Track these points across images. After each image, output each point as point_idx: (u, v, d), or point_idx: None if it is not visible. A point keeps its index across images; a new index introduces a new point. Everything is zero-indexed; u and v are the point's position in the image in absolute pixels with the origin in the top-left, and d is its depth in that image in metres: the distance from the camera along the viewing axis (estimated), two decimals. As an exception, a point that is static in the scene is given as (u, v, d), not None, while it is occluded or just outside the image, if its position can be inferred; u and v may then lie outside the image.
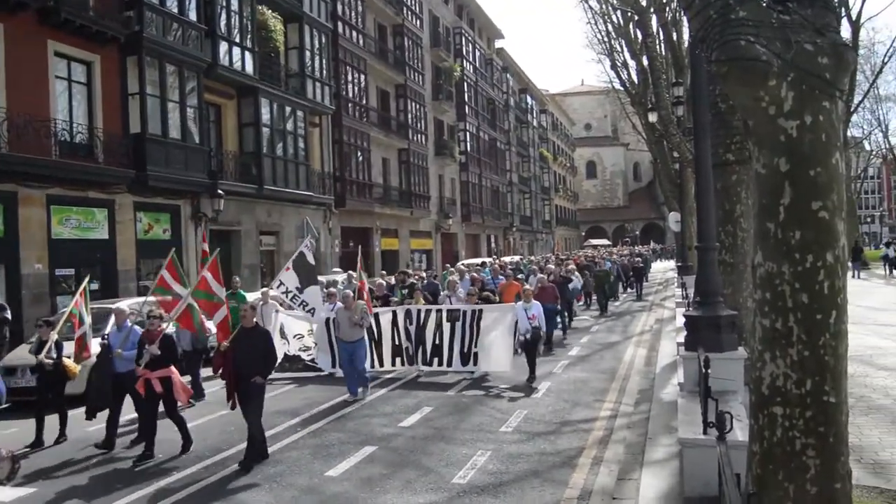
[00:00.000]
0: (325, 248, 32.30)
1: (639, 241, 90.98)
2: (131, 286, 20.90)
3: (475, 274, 20.83)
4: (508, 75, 67.60)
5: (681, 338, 11.58)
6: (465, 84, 52.88)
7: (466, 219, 52.60)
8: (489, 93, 59.77)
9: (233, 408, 9.66)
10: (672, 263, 55.09)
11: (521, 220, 68.62)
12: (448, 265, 29.74)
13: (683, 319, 10.89)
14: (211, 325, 12.64)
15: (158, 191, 22.01)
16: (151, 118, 21.38)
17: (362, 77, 36.26)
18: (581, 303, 27.07)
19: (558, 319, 19.57)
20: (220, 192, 23.60)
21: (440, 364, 14.62)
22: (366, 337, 13.60)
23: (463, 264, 28.08)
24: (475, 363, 14.41)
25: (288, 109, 28.70)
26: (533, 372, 14.10)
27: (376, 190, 37.49)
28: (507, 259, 37.06)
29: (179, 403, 10.44)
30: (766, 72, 4.32)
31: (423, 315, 14.89)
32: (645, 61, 32.27)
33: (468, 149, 52.82)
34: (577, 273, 24.55)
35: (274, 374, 15.07)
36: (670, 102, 26.81)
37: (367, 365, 13.94)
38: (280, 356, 15.21)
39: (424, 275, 23.02)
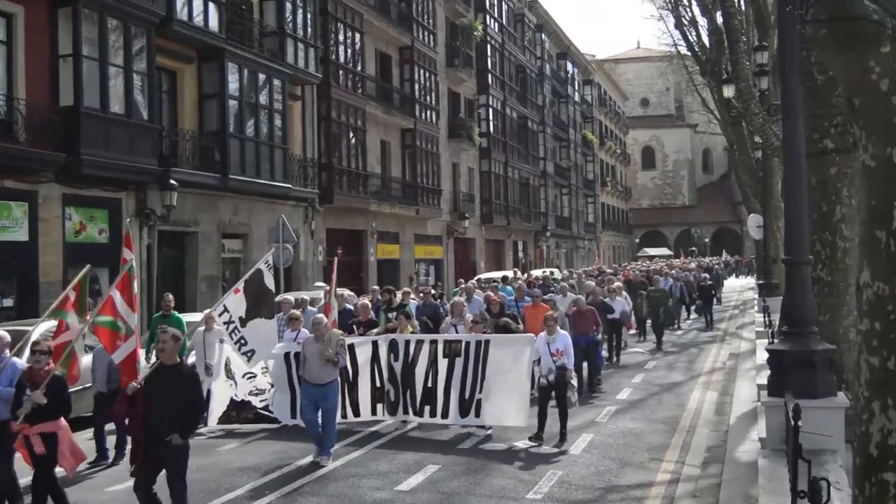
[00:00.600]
0: (306, 255, 32.33)
1: (708, 251, 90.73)
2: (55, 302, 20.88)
3: (491, 293, 20.05)
4: (544, 35, 67.66)
5: (763, 379, 11.47)
6: (489, 46, 52.92)
7: (487, 220, 52.59)
8: (519, 58, 59.81)
9: (134, 475, 8.91)
10: (751, 281, 54.83)
11: (556, 223, 68.60)
12: (461, 280, 29.60)
13: (766, 355, 10.78)
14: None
15: (94, 180, 22.02)
16: (87, 87, 21.40)
17: (357, 36, 36.33)
18: (633, 331, 26.67)
19: (604, 353, 19.54)
20: (172, 182, 23.62)
21: (433, 414, 14.11)
22: (339, 380, 13.01)
23: (479, 279, 27.93)
24: (478, 415, 13.82)
25: (262, 77, 28.74)
26: (564, 428, 13.42)
27: (373, 182, 37.53)
28: (536, 273, 36.77)
29: (64, 471, 9.80)
30: (877, 35, 4.22)
31: (412, 348, 14.30)
32: (719, 19, 32.13)
33: (491, 130, 52.86)
34: (623, 293, 24.29)
35: (218, 426, 14.93)
36: (751, 72, 26.63)
37: (338, 416, 13.49)
38: (225, 402, 15.12)
39: (425, 292, 22.43)
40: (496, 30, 54.56)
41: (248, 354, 14.08)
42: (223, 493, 10.96)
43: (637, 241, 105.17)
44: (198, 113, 26.91)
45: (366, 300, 18.34)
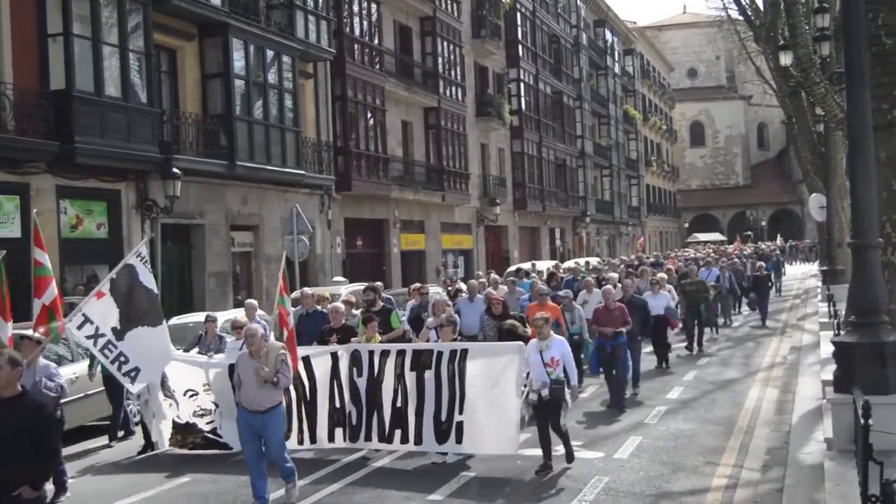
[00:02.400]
0: (323, 248, 32.45)
1: (765, 236, 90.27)
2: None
3: (493, 291, 18.51)
4: (579, 1, 67.61)
5: (828, 374, 11.44)
6: (519, 15, 52.86)
7: (520, 205, 52.60)
8: (552, 27, 59.69)
9: None
10: (813, 267, 54.46)
11: (597, 207, 68.52)
12: (491, 272, 29.40)
13: (831, 348, 10.74)
14: None
15: (91, 170, 22.21)
16: (80, 69, 21.52)
17: (374, 7, 36.40)
18: (676, 330, 23.44)
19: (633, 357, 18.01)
20: (175, 171, 23.78)
21: (404, 440, 12.88)
22: (283, 403, 11.52)
23: (482, 275, 26.87)
24: (459, 441, 12.53)
25: (270, 54, 28.85)
26: (568, 446, 12.29)
27: (394, 166, 37.61)
28: (567, 265, 34.98)
29: None
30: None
31: (377, 360, 13.07)
32: (774, -21, 31.94)
33: (523, 106, 52.84)
34: (669, 287, 22.83)
35: (159, 450, 14.12)
36: (811, 37, 26.45)
37: (292, 442, 12.92)
38: (166, 428, 14.15)
39: (416, 288, 20.94)
40: (526, -4, 54.47)
41: (132, 375, 13.16)
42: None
43: (686, 225, 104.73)
44: (201, 94, 27.04)
45: (338, 304, 15.99)
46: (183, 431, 14.10)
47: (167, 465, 13.60)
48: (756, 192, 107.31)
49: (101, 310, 12.95)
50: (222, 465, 13.24)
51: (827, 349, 14.15)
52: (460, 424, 12.47)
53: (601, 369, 17.45)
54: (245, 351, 11.26)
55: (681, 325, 23.72)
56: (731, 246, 59.81)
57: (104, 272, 23.09)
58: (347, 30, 34.15)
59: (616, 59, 78.18)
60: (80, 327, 13.02)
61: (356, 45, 34.87)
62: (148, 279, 13.53)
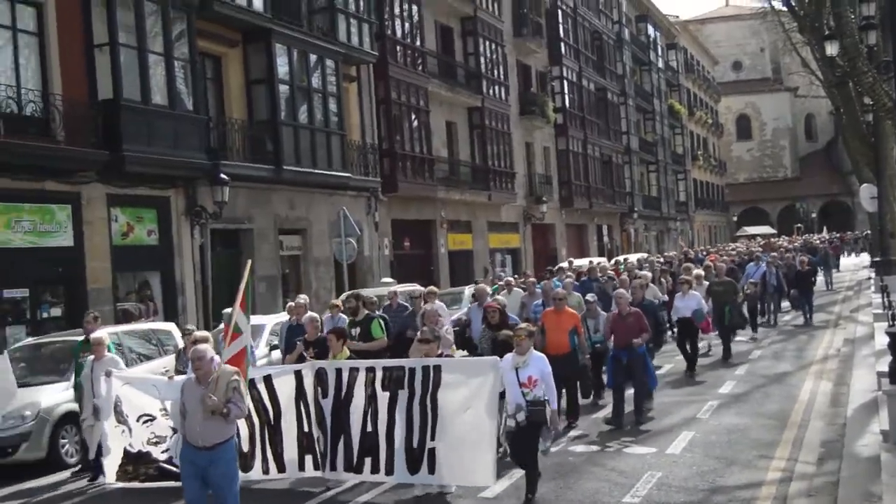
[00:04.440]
0: (371, 250, 32.55)
1: (816, 228, 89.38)
2: (106, 310, 21.29)
3: (494, 298, 17.14)
4: (621, -3, 67.22)
5: (883, 366, 11.32)
6: (560, 12, 52.72)
7: (567, 203, 52.47)
8: (594, 23, 59.50)
9: None
10: (862, 259, 53.71)
11: (644, 203, 68.21)
12: (550, 269, 29.12)
13: (886, 339, 10.63)
14: None
15: (140, 178, 22.42)
16: (127, 78, 21.71)
17: (415, 8, 36.44)
18: (712, 334, 22.29)
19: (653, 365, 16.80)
20: (223, 176, 23.93)
21: (374, 470, 11.45)
22: (235, 438, 9.80)
23: (505, 274, 25.99)
24: (431, 470, 11.09)
25: (313, 58, 28.99)
26: (532, 487, 10.85)
27: (439, 167, 37.66)
28: (596, 260, 32.92)
29: None
30: None
31: (345, 378, 11.67)
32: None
33: (566, 104, 52.71)
34: (703, 285, 21.90)
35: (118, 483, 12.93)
36: (857, 26, 26.17)
37: (257, 471, 12.01)
38: (117, 454, 12.75)
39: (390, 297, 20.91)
40: (568, -7, 54.33)
41: None
42: None
43: (735, 219, 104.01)
44: (246, 100, 27.20)
45: (312, 314, 14.82)
46: (135, 462, 12.59)
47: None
48: (805, 184, 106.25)
49: None
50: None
51: (882, 340, 14.01)
52: (433, 452, 11.02)
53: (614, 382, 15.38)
54: (192, 376, 9.68)
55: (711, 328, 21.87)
56: (781, 239, 59.05)
57: (155, 278, 23.51)
58: (389, 32, 34.23)
59: (659, 53, 77.74)
60: None
61: (398, 47, 34.95)
62: None
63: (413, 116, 35.68)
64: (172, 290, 23.63)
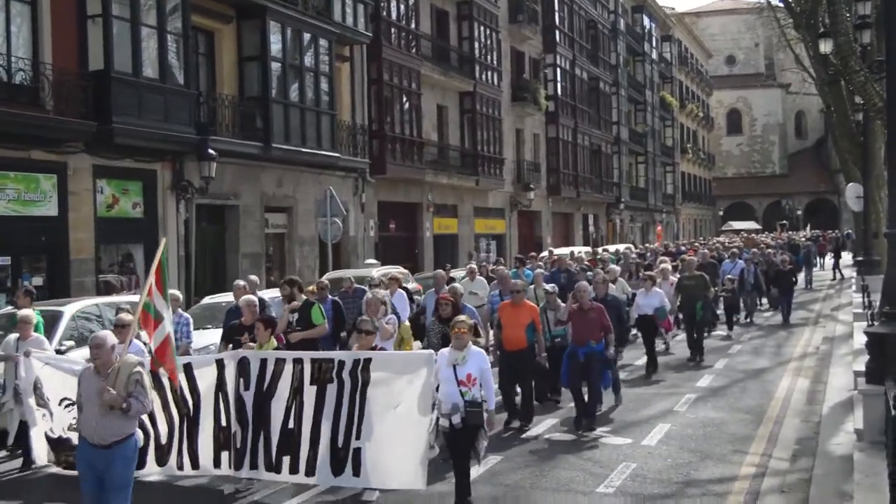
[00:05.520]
0: (357, 230, 32.54)
1: (800, 225, 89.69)
2: (88, 281, 21.32)
3: (450, 287, 16.02)
4: (617, -14, 67.18)
5: (860, 365, 11.39)
6: (556, 0, 52.57)
7: (554, 191, 52.51)
8: (589, 12, 59.47)
9: None
10: (847, 257, 53.81)
11: (631, 194, 68.34)
12: (519, 256, 29.07)
13: (864, 338, 10.68)
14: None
15: (127, 150, 22.34)
16: (118, 50, 21.63)
17: (410, -9, 36.35)
18: (672, 332, 21.66)
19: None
20: (211, 152, 23.85)
21: (293, 470, 10.58)
22: (140, 435, 8.92)
23: (474, 260, 25.18)
24: (356, 472, 10.22)
25: (307, 37, 28.89)
26: (462, 495, 10.05)
27: (428, 150, 37.63)
28: (577, 250, 33.00)
29: None
30: None
31: (269, 370, 10.77)
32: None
33: (559, 92, 52.68)
34: (670, 280, 21.29)
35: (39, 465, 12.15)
36: (852, 25, 26.21)
37: (172, 467, 11.19)
38: (38, 439, 11.83)
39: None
40: (564, -19, 54.25)
41: None
42: None
43: (721, 213, 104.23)
44: (237, 77, 27.14)
45: (249, 296, 13.90)
46: (56, 447, 11.68)
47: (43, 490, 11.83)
48: (792, 181, 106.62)
49: None
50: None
51: (860, 340, 14.07)
52: (357, 452, 10.18)
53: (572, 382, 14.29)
54: (90, 365, 8.69)
55: (675, 326, 21.60)
56: (764, 236, 58.94)
57: (139, 251, 23.45)
58: (384, 13, 34.14)
59: (654, 45, 77.71)
60: None
61: (393, 29, 34.87)
62: None
63: (404, 99, 35.63)
64: (156, 264, 23.54)
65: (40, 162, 20.50)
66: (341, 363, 10.44)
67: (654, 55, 77.87)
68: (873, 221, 32.60)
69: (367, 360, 10.31)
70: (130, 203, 23.34)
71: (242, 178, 26.80)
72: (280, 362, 10.76)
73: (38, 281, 20.48)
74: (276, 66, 27.44)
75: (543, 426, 14.05)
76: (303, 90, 28.66)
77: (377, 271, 23.18)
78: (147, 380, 8.72)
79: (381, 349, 11.42)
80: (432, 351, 10.62)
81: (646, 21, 75.36)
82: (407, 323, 14.93)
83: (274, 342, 11.81)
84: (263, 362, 10.82)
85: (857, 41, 25.67)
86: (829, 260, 51.16)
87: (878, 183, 32.79)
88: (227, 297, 18.12)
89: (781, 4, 40.01)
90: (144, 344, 10.53)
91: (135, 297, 18.87)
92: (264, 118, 26.82)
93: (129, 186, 23.28)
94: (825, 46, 28.23)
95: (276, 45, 27.44)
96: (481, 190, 43.25)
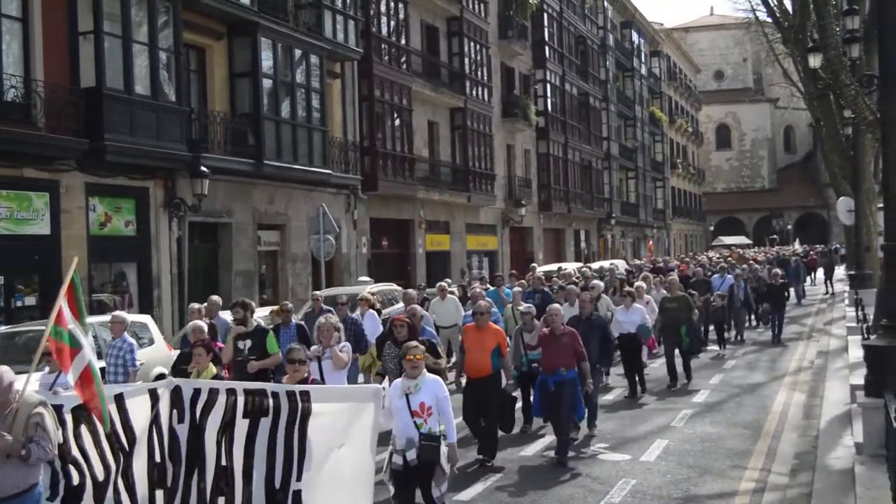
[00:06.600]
0: (349, 247, 32.50)
1: (790, 239, 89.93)
2: (81, 300, 21.18)
3: (419, 307, 15.72)
4: (606, 3, 67.42)
5: (857, 378, 11.41)
6: (546, 16, 52.81)
7: (545, 207, 52.54)
8: (579, 28, 59.61)
9: None
10: (840, 272, 53.88)
11: (622, 209, 68.42)
12: (514, 272, 29.10)
13: (860, 352, 10.70)
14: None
15: (120, 168, 22.30)
16: (110, 67, 21.61)
17: (402, 7, 36.42)
18: (655, 351, 20.86)
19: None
20: (203, 169, 23.84)
21: None
22: (40, 486, 8.10)
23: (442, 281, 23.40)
24: None
25: (298, 53, 28.91)
26: None
27: (420, 167, 37.65)
28: (566, 270, 31.55)
29: None
30: None
31: (201, 401, 9.42)
32: (804, -19, 31.82)
33: (549, 108, 52.76)
34: (647, 298, 20.69)
35: None
36: (841, 39, 26.34)
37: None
38: None
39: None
40: (553, -3, 54.43)
41: None
42: None
43: (711, 228, 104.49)
44: (229, 93, 27.12)
45: (199, 322, 13.72)
46: None
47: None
48: (782, 196, 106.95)
49: None
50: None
51: (855, 353, 14.11)
52: (298, 494, 8.95)
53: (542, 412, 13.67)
54: None
55: (658, 346, 20.58)
56: (755, 250, 58.94)
57: (132, 270, 23.42)
58: (375, 30, 34.17)
59: (643, 60, 77.98)
60: None
61: (383, 45, 34.91)
62: None
63: (395, 115, 35.65)
64: (148, 282, 23.51)
65: (32, 180, 20.42)
66: (275, 394, 9.12)
67: (643, 70, 78.14)
68: (864, 235, 32.67)
69: (306, 394, 8.99)
70: (123, 221, 23.27)
71: (235, 195, 26.76)
72: (213, 393, 9.43)
73: (31, 301, 20.44)
74: (267, 83, 27.43)
75: (541, 443, 14.06)
76: (294, 107, 28.65)
77: (368, 289, 23.17)
78: (49, 422, 7.73)
79: (316, 381, 10.49)
80: (378, 386, 9.17)
81: (634, 37, 75.62)
82: (374, 344, 14.37)
83: (213, 370, 11.20)
84: (196, 392, 9.42)
85: (847, 55, 25.82)
86: (820, 274, 50.88)
87: (868, 197, 32.91)
88: (230, 315, 17.80)
89: (770, 20, 40.16)
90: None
91: (132, 316, 18.88)
92: (256, 135, 26.79)
93: (121, 204, 23.22)
94: (814, 61, 28.33)
95: (267, 62, 27.44)
96: (473, 206, 43.27)
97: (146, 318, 18.80)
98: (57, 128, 20.30)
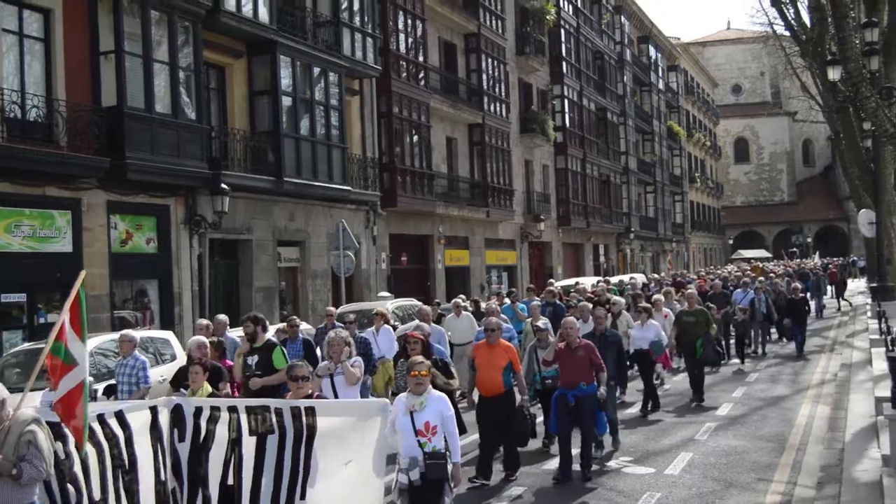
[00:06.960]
0: (369, 263, 32.53)
1: (811, 252, 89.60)
2: (103, 317, 21.29)
3: (426, 326, 15.27)
4: (623, 18, 67.41)
5: (882, 391, 11.33)
6: (563, 32, 52.87)
7: (564, 222, 52.54)
8: (596, 43, 59.67)
9: None
10: (861, 283, 53.61)
11: (641, 224, 68.26)
12: (532, 286, 28.94)
13: (885, 364, 10.62)
14: None
15: (141, 186, 22.41)
16: (131, 86, 21.76)
17: (419, 24, 36.55)
18: (671, 368, 21.18)
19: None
20: (223, 186, 23.93)
21: None
22: (36, 502, 7.83)
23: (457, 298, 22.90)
24: None
25: (317, 71, 29.03)
26: None
27: (439, 182, 37.69)
28: (581, 284, 29.98)
29: None
30: None
31: (204, 419, 9.36)
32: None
33: (566, 123, 52.83)
34: (666, 312, 20.45)
35: None
36: (860, 51, 26.28)
37: None
38: None
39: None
40: (570, 13, 54.49)
41: None
42: None
43: (731, 242, 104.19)
44: (248, 111, 27.24)
45: (203, 338, 13.44)
46: None
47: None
48: (801, 209, 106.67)
49: None
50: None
51: (879, 366, 14.02)
52: None
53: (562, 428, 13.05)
54: None
55: (673, 363, 20.73)
56: (774, 263, 58.62)
57: (153, 287, 23.48)
58: (393, 47, 34.29)
59: (660, 75, 77.96)
60: None
61: (401, 62, 35.02)
62: None
63: (414, 131, 35.72)
64: (170, 299, 23.60)
65: (55, 198, 20.54)
66: (279, 411, 9.01)
67: (661, 85, 78.08)
68: (886, 247, 32.51)
69: (311, 410, 8.90)
70: (144, 238, 23.36)
71: (255, 212, 26.85)
72: (215, 411, 9.35)
73: (53, 318, 20.45)
74: (286, 101, 27.54)
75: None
76: (313, 124, 28.74)
77: (391, 303, 23.18)
78: (43, 440, 7.46)
79: (321, 396, 10.36)
80: (386, 400, 9.55)
81: (652, 51, 75.63)
82: (391, 360, 14.37)
83: (207, 388, 10.87)
84: (198, 410, 9.37)
85: (867, 67, 25.76)
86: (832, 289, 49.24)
87: (889, 208, 32.78)
88: (238, 332, 17.70)
89: (787, 33, 40.20)
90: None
91: (151, 333, 18.93)
92: (276, 152, 26.88)
93: (142, 222, 23.31)
94: (834, 73, 28.32)
95: (286, 80, 27.55)
96: (492, 221, 43.27)
97: (168, 335, 18.79)
98: (79, 146, 20.40)
